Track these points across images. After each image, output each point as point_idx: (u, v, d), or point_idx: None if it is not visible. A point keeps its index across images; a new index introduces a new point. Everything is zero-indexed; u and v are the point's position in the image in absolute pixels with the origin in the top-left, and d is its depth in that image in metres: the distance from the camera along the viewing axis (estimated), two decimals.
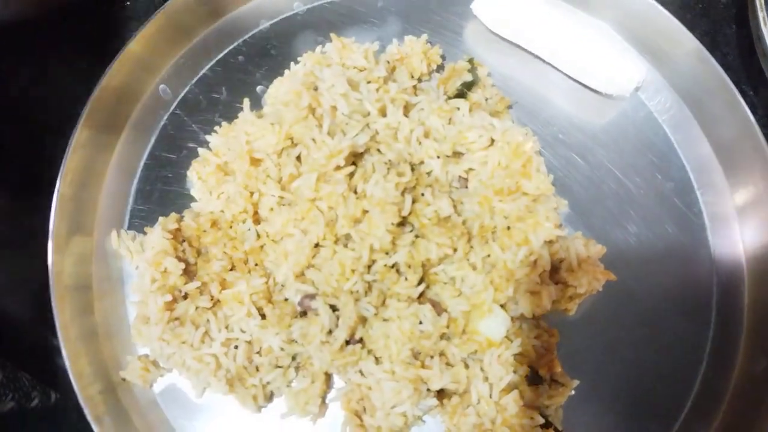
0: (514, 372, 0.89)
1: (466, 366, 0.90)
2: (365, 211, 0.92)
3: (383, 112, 0.98)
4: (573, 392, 0.95)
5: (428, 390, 0.90)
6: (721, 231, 1.06)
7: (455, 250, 0.93)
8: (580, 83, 1.13)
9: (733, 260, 1.05)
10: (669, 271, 1.04)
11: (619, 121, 1.13)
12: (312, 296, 0.90)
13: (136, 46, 1.06)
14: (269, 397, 0.95)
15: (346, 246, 0.92)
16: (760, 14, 1.06)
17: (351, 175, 0.93)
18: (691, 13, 1.24)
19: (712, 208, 1.08)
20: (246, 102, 0.98)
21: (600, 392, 0.98)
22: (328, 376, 0.95)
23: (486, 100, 1.08)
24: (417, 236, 0.96)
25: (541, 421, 0.89)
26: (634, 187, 1.09)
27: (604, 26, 1.16)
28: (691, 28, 1.16)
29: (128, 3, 1.21)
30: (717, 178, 1.10)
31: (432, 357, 0.90)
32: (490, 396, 0.88)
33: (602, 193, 1.08)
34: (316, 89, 0.95)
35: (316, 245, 0.91)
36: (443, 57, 1.13)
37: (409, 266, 0.92)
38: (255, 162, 0.96)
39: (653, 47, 1.14)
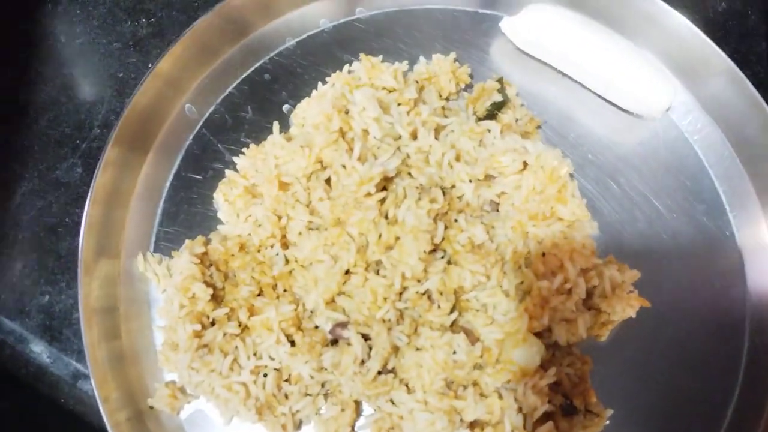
0: (549, 402, 0.88)
1: (500, 396, 0.88)
2: (397, 238, 0.90)
3: (414, 136, 0.97)
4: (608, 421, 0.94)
5: (461, 420, 0.88)
6: (755, 254, 1.04)
7: (489, 277, 0.91)
8: (610, 103, 1.12)
9: (766, 284, 1.03)
10: (701, 296, 1.02)
11: (650, 142, 1.11)
12: (344, 324, 0.89)
13: (163, 65, 1.05)
14: (298, 426, 0.94)
15: (377, 273, 0.91)
16: None
17: (382, 200, 0.92)
18: (721, 30, 1.23)
19: (745, 230, 1.06)
20: (275, 125, 0.97)
21: (633, 420, 0.96)
22: (358, 404, 0.93)
23: (516, 120, 1.07)
24: (449, 262, 0.95)
25: None
26: (666, 210, 1.07)
27: (634, 45, 1.14)
28: (722, 45, 1.15)
29: (153, 20, 1.20)
30: (750, 199, 1.08)
31: (465, 387, 0.89)
32: (524, 427, 0.86)
33: (633, 215, 1.07)
34: (347, 112, 0.94)
35: (347, 272, 0.90)
36: (471, 76, 1.12)
37: (441, 293, 0.91)
38: (283, 186, 0.94)
39: (684, 67, 1.13)
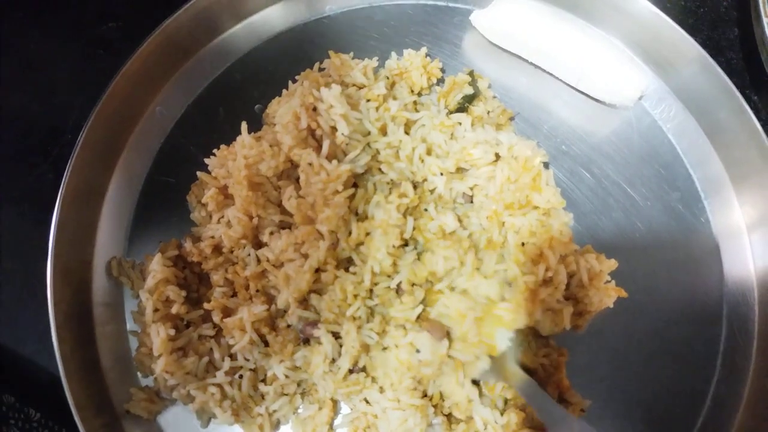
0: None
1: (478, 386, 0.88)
2: (367, 234, 0.90)
3: (384, 131, 0.96)
4: (584, 411, 0.94)
5: (436, 415, 0.88)
6: (730, 240, 1.05)
7: (462, 263, 0.91)
8: (583, 93, 1.11)
9: (742, 270, 1.03)
10: (677, 283, 1.02)
11: (624, 131, 1.11)
12: (314, 323, 0.89)
13: (132, 66, 1.04)
14: (276, 426, 0.93)
15: (347, 270, 0.90)
16: (764, 18, 1.04)
17: (352, 197, 0.91)
18: (693, 17, 1.22)
19: (720, 217, 1.06)
20: (244, 125, 0.96)
21: (612, 409, 0.96)
22: (335, 403, 0.93)
23: (488, 113, 1.06)
24: (421, 252, 0.95)
25: None
26: (641, 198, 1.07)
27: (606, 35, 1.14)
28: (694, 33, 1.15)
29: (121, 23, 1.19)
30: (724, 185, 1.08)
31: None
32: (496, 422, 0.86)
33: (608, 205, 1.07)
34: (315, 110, 0.94)
35: (317, 270, 0.90)
36: (443, 70, 1.12)
37: (413, 285, 0.91)
38: (254, 186, 0.94)
39: (656, 55, 1.12)
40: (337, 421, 0.94)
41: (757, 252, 1.03)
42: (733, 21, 1.22)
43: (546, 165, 1.04)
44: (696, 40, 1.14)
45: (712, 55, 1.15)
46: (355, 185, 0.94)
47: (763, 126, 1.12)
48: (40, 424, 0.97)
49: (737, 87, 1.13)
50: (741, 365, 0.99)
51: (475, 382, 0.91)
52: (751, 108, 1.13)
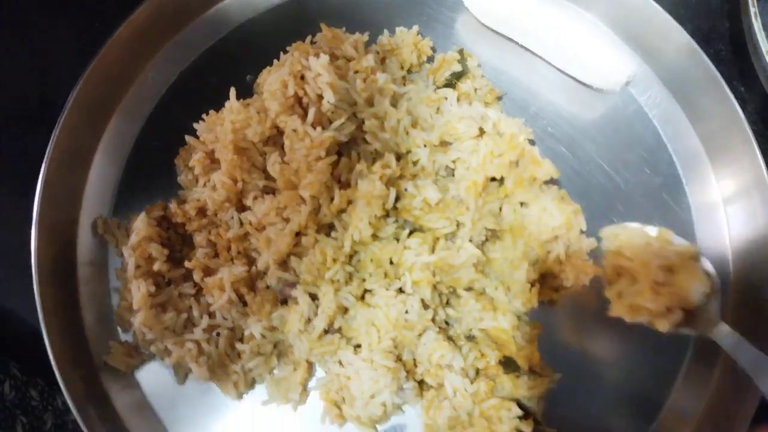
0: (483, 356, 0.91)
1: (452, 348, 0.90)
2: (349, 202, 0.92)
3: (371, 102, 0.98)
4: (555, 385, 0.96)
5: (408, 380, 0.90)
6: (708, 226, 1.06)
7: (459, 224, 0.93)
8: (571, 77, 1.13)
9: (718, 254, 1.04)
10: None
11: (609, 116, 1.13)
12: (292, 284, 0.90)
13: (125, 31, 1.06)
14: (251, 384, 0.95)
15: (328, 235, 0.92)
16: (752, 9, 1.05)
17: (336, 164, 0.93)
18: (684, 8, 1.24)
19: (699, 203, 1.07)
20: (232, 91, 0.98)
21: (583, 384, 0.98)
22: (310, 364, 0.95)
23: (475, 90, 1.08)
24: (413, 231, 0.96)
25: (519, 412, 0.89)
26: (623, 182, 1.08)
27: (596, 20, 1.16)
28: (684, 22, 1.16)
29: None
30: (705, 173, 1.09)
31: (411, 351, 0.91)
32: (465, 390, 0.88)
33: (590, 187, 1.08)
34: (302, 78, 0.95)
35: (298, 234, 0.91)
36: (434, 49, 1.13)
37: (392, 263, 0.93)
38: (240, 151, 0.96)
39: (645, 42, 1.13)
40: (311, 384, 0.96)
41: (734, 236, 1.04)
42: (724, 13, 1.23)
43: (531, 143, 1.05)
44: (686, 29, 1.15)
45: (701, 46, 1.16)
46: (340, 154, 0.95)
47: (749, 117, 1.14)
48: (14, 405, 1.00)
49: (725, 78, 1.15)
50: (712, 343, 1.00)
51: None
52: (738, 99, 1.14)
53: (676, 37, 1.08)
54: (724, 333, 0.87)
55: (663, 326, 0.86)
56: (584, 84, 1.12)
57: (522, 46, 1.14)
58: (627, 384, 0.98)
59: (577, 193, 1.07)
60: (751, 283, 1.00)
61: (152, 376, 0.98)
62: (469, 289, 0.94)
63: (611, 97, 1.13)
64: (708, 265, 0.93)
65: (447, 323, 0.96)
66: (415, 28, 1.13)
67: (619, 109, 1.13)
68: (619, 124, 1.12)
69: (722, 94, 1.04)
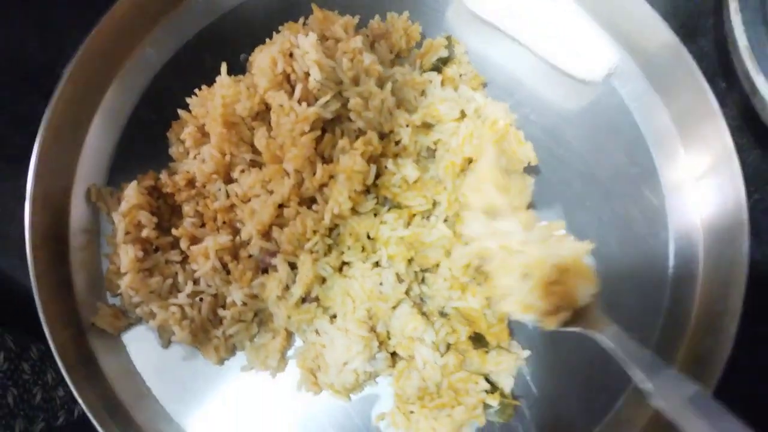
0: (454, 332, 0.95)
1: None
2: (331, 176, 0.95)
3: (357, 82, 1.01)
4: (524, 361, 0.99)
5: (380, 350, 0.94)
6: (680, 218, 1.09)
7: (435, 203, 0.97)
8: (555, 67, 1.16)
9: (689, 244, 1.08)
10: (627, 253, 1.08)
11: (591, 106, 1.16)
12: (273, 253, 0.94)
13: (125, 4, 1.09)
14: (231, 350, 0.99)
15: (309, 208, 0.96)
16: (732, 4, 1.08)
17: (320, 140, 0.96)
18: (671, 4, 1.26)
19: (673, 195, 1.10)
20: (224, 66, 1.01)
21: (553, 364, 1.01)
22: (289, 334, 0.99)
23: (460, 75, 1.11)
24: (391, 208, 1.00)
25: (487, 386, 0.93)
26: (601, 170, 1.12)
27: (582, 12, 1.18)
28: (669, 18, 1.19)
29: None
30: (681, 167, 1.12)
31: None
32: (435, 362, 0.91)
33: (570, 174, 1.11)
34: (291, 56, 0.99)
35: (281, 206, 0.95)
36: (423, 35, 1.16)
37: (369, 237, 0.97)
38: (230, 125, 0.99)
39: (629, 36, 1.16)
40: (290, 353, 1.00)
41: (705, 221, 1.08)
42: (709, 10, 1.26)
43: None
44: (671, 25, 1.18)
45: (685, 41, 1.19)
46: (325, 130, 0.99)
47: (729, 112, 1.17)
48: (7, 375, 1.04)
49: (707, 73, 1.18)
50: (678, 332, 1.04)
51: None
52: (719, 95, 1.17)
53: (660, 32, 1.11)
54: (609, 331, 0.84)
55: (550, 325, 0.85)
56: (568, 74, 1.15)
57: (509, 36, 1.17)
58: (597, 363, 1.01)
59: (557, 179, 1.11)
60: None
61: (137, 340, 1.02)
62: (437, 265, 0.98)
63: (594, 88, 1.16)
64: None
65: (422, 299, 1.00)
66: (406, 13, 1.16)
67: (601, 99, 1.16)
68: (601, 115, 1.15)
69: (701, 89, 1.07)
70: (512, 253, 0.86)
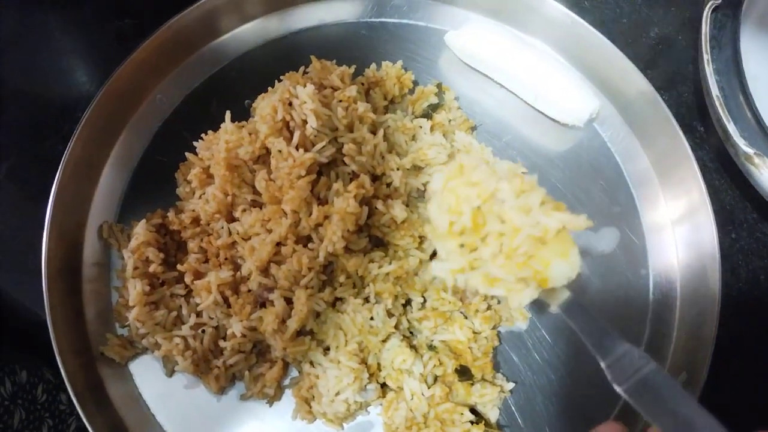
0: (441, 364, 1.00)
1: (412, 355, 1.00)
2: (326, 217, 1.02)
3: (351, 128, 1.08)
4: (510, 393, 1.04)
5: (371, 381, 0.99)
6: (659, 257, 1.15)
7: (421, 240, 1.03)
8: (540, 112, 1.23)
9: (667, 281, 1.13)
10: (608, 290, 1.13)
11: (575, 149, 1.23)
12: (270, 289, 1.00)
13: (139, 56, 1.18)
14: (231, 380, 1.05)
15: (305, 246, 1.02)
16: (705, 56, 1.15)
17: (316, 182, 1.03)
18: (651, 53, 1.34)
19: (653, 234, 1.16)
20: (228, 114, 1.09)
21: (538, 396, 1.06)
22: (286, 364, 1.05)
23: (449, 121, 1.19)
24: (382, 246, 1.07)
25: (471, 417, 0.97)
26: (584, 210, 1.16)
27: (565, 62, 1.26)
28: (650, 66, 1.27)
29: (137, 20, 1.34)
30: (661, 207, 1.18)
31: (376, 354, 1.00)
32: (422, 394, 0.97)
33: None
34: (290, 104, 1.06)
35: (279, 244, 1.01)
36: (416, 82, 1.24)
37: (360, 277, 1.03)
38: (233, 168, 1.06)
39: (609, 84, 1.24)
40: (286, 382, 1.05)
41: (682, 260, 1.13)
42: (688, 58, 1.33)
43: None
44: (652, 72, 1.27)
45: (665, 88, 1.27)
46: (321, 174, 1.06)
47: (706, 155, 1.24)
48: (44, 407, 1.10)
49: (686, 118, 1.26)
50: (661, 355, 1.08)
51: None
52: (697, 138, 1.25)
53: (636, 81, 1.18)
54: (563, 302, 0.76)
55: (515, 303, 0.75)
56: (552, 119, 1.22)
57: (497, 83, 1.25)
58: (580, 395, 1.06)
59: None
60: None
61: (143, 369, 1.07)
62: (425, 300, 1.04)
63: (577, 132, 1.23)
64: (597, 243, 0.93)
65: (411, 332, 1.06)
66: (399, 62, 1.24)
67: (585, 143, 1.23)
68: (584, 157, 1.22)
69: (675, 134, 1.13)
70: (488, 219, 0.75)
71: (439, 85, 1.22)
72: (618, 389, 0.68)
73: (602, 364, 0.71)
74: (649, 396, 0.65)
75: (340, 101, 1.10)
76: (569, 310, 0.76)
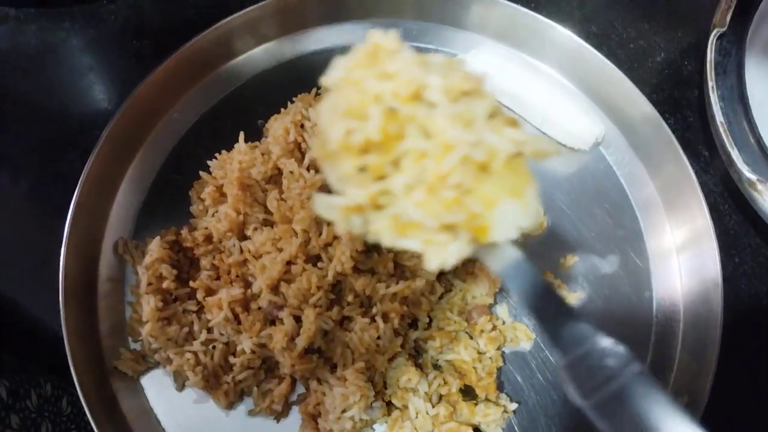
0: (446, 384, 1.01)
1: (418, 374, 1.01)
2: (335, 237, 1.04)
3: None
4: (513, 413, 1.06)
5: (377, 399, 1.01)
6: (663, 280, 1.16)
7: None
8: (547, 135, 1.25)
9: (670, 304, 1.14)
10: (612, 315, 1.14)
11: (581, 172, 1.25)
12: (280, 307, 1.03)
13: (158, 75, 1.22)
14: (240, 396, 1.07)
15: (315, 265, 1.05)
16: (710, 83, 1.17)
17: None
18: (657, 77, 1.36)
19: (657, 257, 1.18)
20: (241, 135, 1.12)
21: (540, 415, 1.07)
22: (294, 380, 1.07)
23: None
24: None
25: None
26: (589, 233, 1.20)
27: (571, 86, 1.29)
28: (656, 91, 1.30)
29: (155, 41, 1.38)
30: (665, 231, 1.19)
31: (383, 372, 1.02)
32: (427, 413, 0.99)
33: (558, 236, 1.19)
34: (302, 126, 1.09)
35: (289, 262, 1.04)
36: None
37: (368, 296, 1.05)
38: (245, 187, 1.09)
39: (615, 109, 1.26)
40: (294, 399, 1.08)
41: (686, 285, 1.14)
42: (694, 83, 1.35)
43: None
44: (657, 97, 1.29)
45: (670, 112, 1.29)
46: None
47: (711, 179, 1.25)
48: (70, 419, 1.13)
49: (691, 142, 1.27)
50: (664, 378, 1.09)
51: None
52: (702, 162, 1.26)
53: (642, 106, 1.20)
54: (506, 261, 0.56)
55: (434, 262, 0.55)
56: (558, 142, 1.25)
57: (505, 106, 1.28)
58: (580, 416, 1.07)
59: (546, 240, 1.19)
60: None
61: (155, 383, 1.10)
62: (431, 320, 1.06)
63: (584, 156, 1.25)
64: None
65: (417, 351, 1.08)
66: None
67: (590, 166, 1.25)
68: (589, 181, 1.24)
69: (679, 159, 1.15)
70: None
71: None
72: (580, 404, 0.47)
73: (558, 364, 0.50)
74: (627, 416, 0.45)
75: None
76: (514, 278, 0.52)
